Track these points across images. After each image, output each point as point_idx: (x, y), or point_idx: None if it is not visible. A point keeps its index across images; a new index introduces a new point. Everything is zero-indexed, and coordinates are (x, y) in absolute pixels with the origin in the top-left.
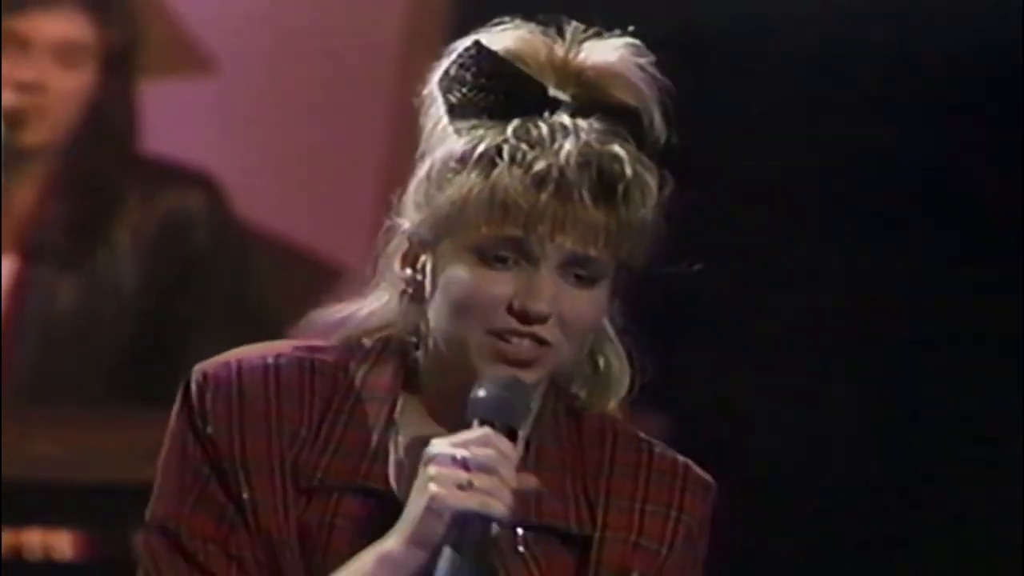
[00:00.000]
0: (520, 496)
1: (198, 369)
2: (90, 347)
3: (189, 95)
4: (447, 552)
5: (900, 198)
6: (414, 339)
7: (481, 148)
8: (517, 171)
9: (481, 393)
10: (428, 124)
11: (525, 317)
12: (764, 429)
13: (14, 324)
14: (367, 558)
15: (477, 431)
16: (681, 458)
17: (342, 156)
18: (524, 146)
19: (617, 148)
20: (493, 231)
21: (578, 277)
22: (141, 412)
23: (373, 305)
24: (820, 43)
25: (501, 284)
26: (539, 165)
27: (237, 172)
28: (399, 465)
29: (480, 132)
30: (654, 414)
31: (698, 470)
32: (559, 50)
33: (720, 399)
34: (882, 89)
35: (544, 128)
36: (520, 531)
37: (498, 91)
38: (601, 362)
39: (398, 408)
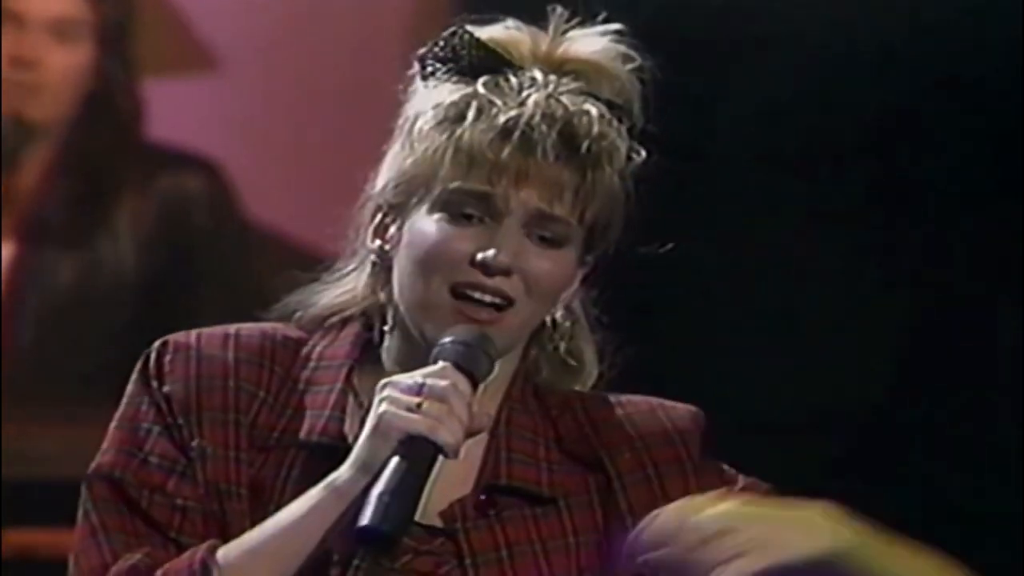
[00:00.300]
0: (490, 460)
1: (159, 340)
2: (89, 333)
3: (191, 91)
4: (393, 464)
5: (891, 186)
6: (381, 312)
7: (449, 102)
8: (482, 124)
9: (447, 339)
10: (406, 107)
11: (487, 269)
12: (752, 419)
13: (13, 308)
14: (315, 488)
15: (437, 365)
16: (652, 398)
17: (343, 149)
18: (492, 97)
19: (586, 105)
20: (458, 185)
21: (543, 239)
22: None
23: (344, 286)
24: (816, 34)
25: (465, 239)
26: (504, 117)
27: (239, 165)
28: (354, 424)
29: (450, 87)
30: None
31: (671, 403)
32: (543, 43)
33: (706, 391)
34: (878, 76)
35: (513, 81)
36: (483, 496)
37: (474, 62)
38: (572, 347)
39: (355, 375)
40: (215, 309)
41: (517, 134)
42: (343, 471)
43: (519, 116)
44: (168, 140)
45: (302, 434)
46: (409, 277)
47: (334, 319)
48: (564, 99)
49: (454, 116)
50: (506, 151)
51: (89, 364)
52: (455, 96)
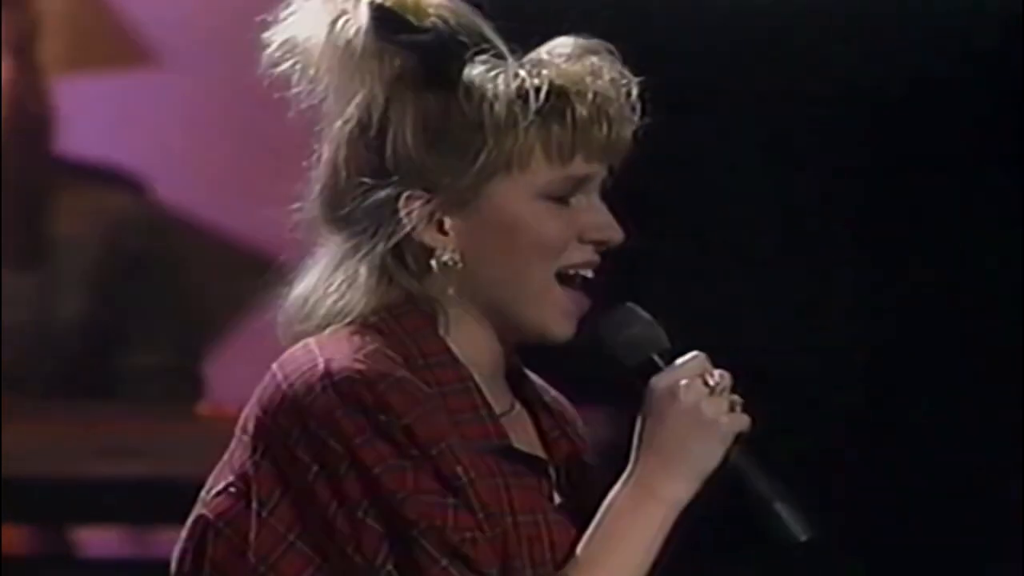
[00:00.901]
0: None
1: (345, 373)
2: (38, 345)
3: (124, 88)
4: (752, 469)
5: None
6: (433, 304)
7: (515, 87)
8: (579, 105)
9: (637, 329)
10: (371, 88)
11: (608, 247)
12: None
13: None
14: (652, 507)
15: (691, 359)
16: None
17: (278, 148)
18: (581, 74)
19: (619, 64)
20: (560, 171)
21: None
22: (87, 407)
23: (354, 281)
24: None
25: (570, 219)
26: (591, 93)
27: (173, 166)
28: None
29: (496, 69)
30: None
31: None
32: None
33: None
34: (879, 62)
35: (569, 48)
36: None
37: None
38: None
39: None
40: (153, 321)
41: (609, 110)
42: (676, 485)
43: (605, 91)
44: (98, 155)
45: (493, 440)
46: (506, 266)
47: (377, 318)
48: (618, 63)
49: (527, 97)
50: (604, 131)
51: (33, 377)
52: (519, 80)
